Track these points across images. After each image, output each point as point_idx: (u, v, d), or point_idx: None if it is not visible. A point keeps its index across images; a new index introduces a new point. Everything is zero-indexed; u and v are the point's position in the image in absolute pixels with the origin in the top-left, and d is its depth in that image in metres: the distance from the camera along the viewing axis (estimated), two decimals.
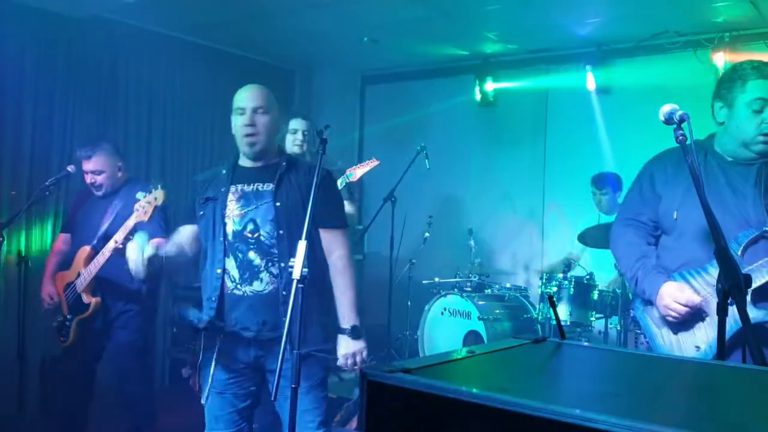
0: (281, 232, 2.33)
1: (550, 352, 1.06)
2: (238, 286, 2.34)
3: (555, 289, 4.57)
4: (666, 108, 2.04)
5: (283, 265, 2.29)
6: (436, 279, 5.17)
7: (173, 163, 5.28)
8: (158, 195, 3.00)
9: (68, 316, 3.35)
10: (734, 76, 2.19)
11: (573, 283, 4.47)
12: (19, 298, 3.46)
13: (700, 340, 2.13)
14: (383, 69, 6.22)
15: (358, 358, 2.35)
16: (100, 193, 3.46)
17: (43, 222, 4.37)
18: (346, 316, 2.38)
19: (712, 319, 2.08)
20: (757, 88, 2.10)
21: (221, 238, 2.36)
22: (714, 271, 2.09)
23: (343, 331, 2.37)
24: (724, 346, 1.58)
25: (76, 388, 3.42)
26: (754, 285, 2.01)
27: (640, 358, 1.12)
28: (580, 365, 1.03)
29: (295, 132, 3.78)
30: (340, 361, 2.36)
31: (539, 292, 4.86)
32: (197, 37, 5.22)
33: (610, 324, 4.43)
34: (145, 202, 2.98)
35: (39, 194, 3.53)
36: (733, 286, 1.52)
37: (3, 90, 4.26)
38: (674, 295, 2.11)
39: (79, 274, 3.30)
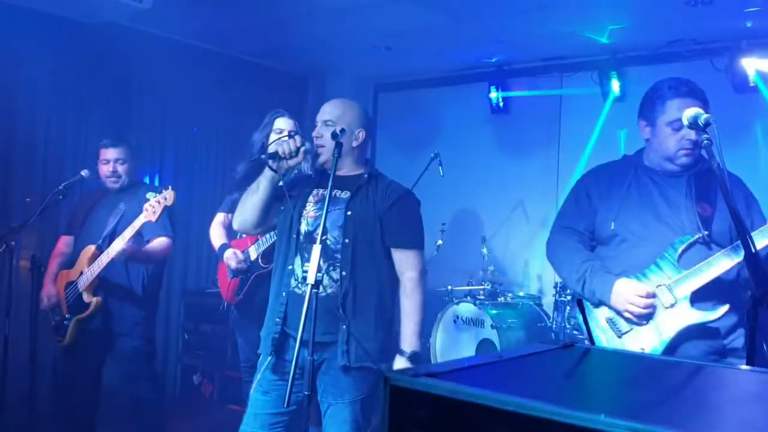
0: (347, 240, 2.35)
1: (580, 358, 1.01)
2: (299, 285, 2.36)
3: (569, 297, 4.51)
4: (690, 111, 2.04)
5: (344, 273, 2.31)
6: (449, 287, 5.11)
7: (186, 167, 5.29)
8: (168, 195, 3.03)
9: (67, 316, 3.34)
10: (654, 96, 2.32)
11: None
12: (31, 302, 3.45)
13: (645, 343, 2.15)
14: (396, 77, 6.20)
15: None
16: (116, 186, 3.47)
17: (56, 227, 4.37)
18: (408, 340, 2.36)
19: (655, 322, 2.15)
20: (675, 107, 2.22)
21: (294, 236, 2.40)
22: (653, 275, 2.18)
23: (402, 353, 2.35)
24: (754, 354, 1.54)
25: (81, 393, 3.39)
26: (693, 288, 2.11)
27: (676, 365, 1.07)
28: (615, 372, 0.99)
29: (279, 132, 3.39)
30: None
31: (553, 301, 4.80)
32: (211, 44, 5.23)
33: None
34: (155, 202, 3.01)
35: (52, 199, 3.53)
36: (764, 293, 1.50)
37: (17, 96, 4.27)
38: (636, 289, 2.13)
39: (81, 273, 3.29)
